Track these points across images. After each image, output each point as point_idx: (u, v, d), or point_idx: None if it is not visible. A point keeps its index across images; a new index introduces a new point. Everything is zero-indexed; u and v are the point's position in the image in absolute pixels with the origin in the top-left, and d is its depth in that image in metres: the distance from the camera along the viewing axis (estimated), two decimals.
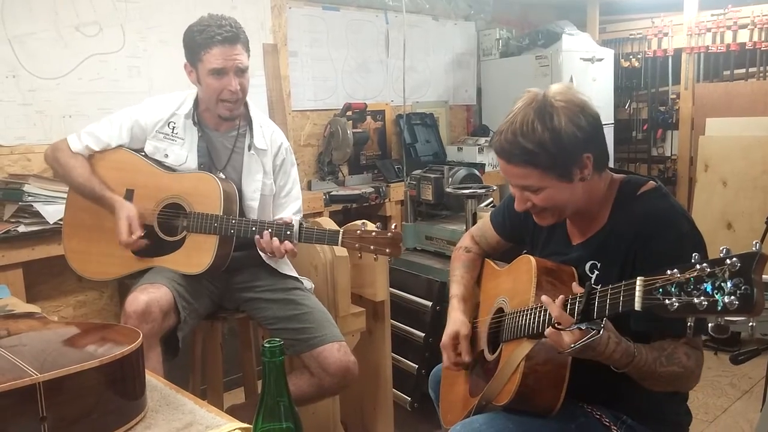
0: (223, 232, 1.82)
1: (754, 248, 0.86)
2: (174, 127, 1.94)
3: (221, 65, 1.82)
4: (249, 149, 1.97)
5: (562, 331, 1.12)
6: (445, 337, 1.53)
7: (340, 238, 1.76)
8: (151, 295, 1.72)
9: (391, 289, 2.40)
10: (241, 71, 1.86)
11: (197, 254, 1.84)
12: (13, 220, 2.20)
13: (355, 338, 2.19)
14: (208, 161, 1.96)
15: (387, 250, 1.74)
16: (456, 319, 1.55)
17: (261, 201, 1.98)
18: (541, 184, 1.27)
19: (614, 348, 1.13)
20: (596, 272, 1.31)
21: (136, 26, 2.63)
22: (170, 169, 1.93)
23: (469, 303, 1.61)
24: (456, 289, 1.63)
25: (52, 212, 2.18)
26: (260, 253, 1.94)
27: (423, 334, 2.62)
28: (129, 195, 1.91)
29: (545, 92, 1.27)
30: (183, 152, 1.93)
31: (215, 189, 1.85)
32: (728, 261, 0.86)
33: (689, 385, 1.25)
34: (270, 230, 1.80)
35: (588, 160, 1.26)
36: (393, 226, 1.79)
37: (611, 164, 1.43)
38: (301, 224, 1.80)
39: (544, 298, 1.18)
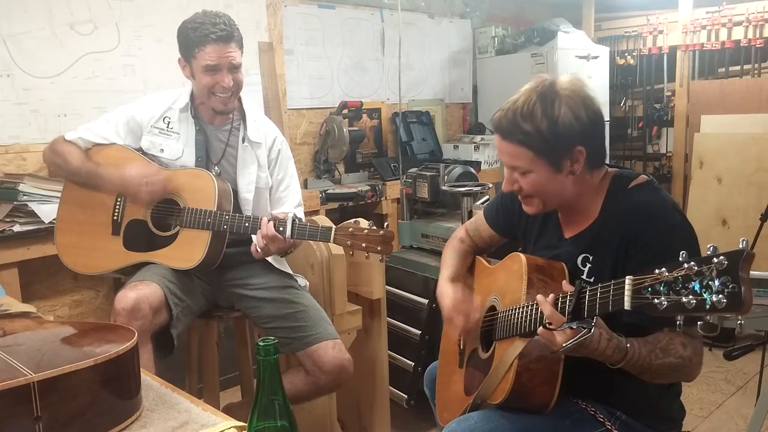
0: (216, 228, 1.83)
1: (741, 246, 0.87)
2: (169, 122, 1.95)
3: (215, 62, 1.84)
4: (243, 141, 1.98)
5: (554, 331, 1.13)
6: (447, 310, 1.52)
7: (332, 234, 1.77)
8: (140, 292, 1.72)
9: (387, 286, 2.41)
10: (235, 68, 1.88)
11: (189, 249, 1.84)
12: (8, 219, 2.20)
13: (351, 336, 2.20)
14: (205, 155, 1.96)
15: (378, 248, 1.74)
16: (448, 292, 1.55)
17: (256, 194, 1.98)
18: (530, 167, 1.29)
19: (606, 344, 1.13)
20: (588, 265, 1.32)
21: (130, 25, 2.62)
22: (166, 165, 1.94)
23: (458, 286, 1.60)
24: (445, 272, 1.64)
25: (47, 212, 2.18)
26: (253, 253, 1.94)
27: (419, 332, 2.62)
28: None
29: (554, 79, 1.30)
30: (179, 146, 1.94)
31: (210, 185, 1.85)
32: (715, 259, 0.87)
33: (691, 374, 1.26)
34: (268, 219, 1.81)
35: (580, 154, 1.27)
36: (386, 225, 1.79)
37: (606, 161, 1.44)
38: (294, 220, 1.80)
39: (538, 297, 1.18)
